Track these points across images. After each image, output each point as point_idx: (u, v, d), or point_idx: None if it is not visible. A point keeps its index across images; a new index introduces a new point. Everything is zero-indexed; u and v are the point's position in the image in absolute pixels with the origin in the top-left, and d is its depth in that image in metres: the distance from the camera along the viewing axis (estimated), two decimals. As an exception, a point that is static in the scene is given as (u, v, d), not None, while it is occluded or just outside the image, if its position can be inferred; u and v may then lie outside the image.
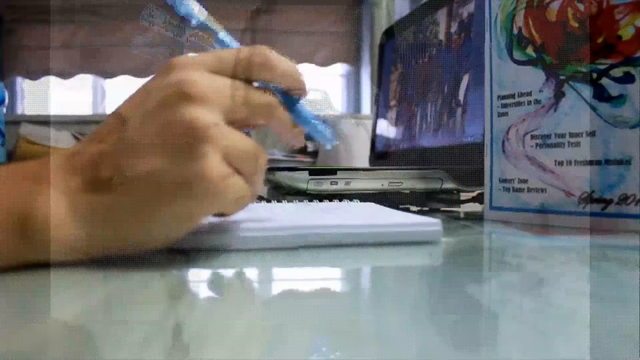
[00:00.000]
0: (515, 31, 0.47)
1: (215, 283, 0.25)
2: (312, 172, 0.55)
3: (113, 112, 0.29)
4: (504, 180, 0.48)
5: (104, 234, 0.27)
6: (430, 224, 0.34)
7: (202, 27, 0.33)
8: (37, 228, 0.25)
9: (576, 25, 0.42)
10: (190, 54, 0.29)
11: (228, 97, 0.28)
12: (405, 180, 0.57)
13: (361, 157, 1.89)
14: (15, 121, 2.48)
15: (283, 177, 0.55)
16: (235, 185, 0.27)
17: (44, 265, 0.26)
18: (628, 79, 0.39)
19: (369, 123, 1.09)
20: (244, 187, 0.28)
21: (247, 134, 0.29)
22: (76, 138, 1.55)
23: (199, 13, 0.33)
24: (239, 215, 0.37)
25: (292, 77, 0.31)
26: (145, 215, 0.26)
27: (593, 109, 0.41)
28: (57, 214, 0.26)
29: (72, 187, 0.27)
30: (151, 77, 0.29)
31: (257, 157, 0.29)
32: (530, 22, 0.46)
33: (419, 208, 0.64)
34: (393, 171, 0.57)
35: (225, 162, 0.27)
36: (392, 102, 0.88)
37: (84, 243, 0.27)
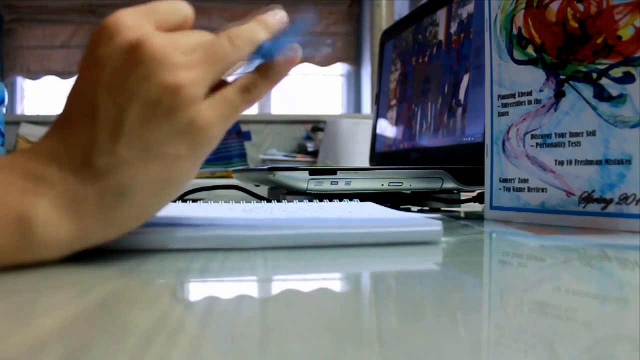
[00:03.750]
0: (515, 31, 0.47)
1: (215, 283, 0.25)
2: (312, 172, 0.55)
3: (72, 96, 0.27)
4: (505, 180, 0.48)
5: (108, 220, 0.27)
6: (430, 223, 0.34)
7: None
8: (35, 229, 0.25)
9: (576, 25, 0.42)
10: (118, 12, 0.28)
11: (183, 42, 0.27)
12: (405, 180, 0.57)
13: (361, 156, 1.89)
14: (15, 121, 2.49)
15: (283, 177, 0.55)
16: (225, 111, 0.28)
17: (44, 265, 0.26)
18: (628, 79, 0.39)
19: (369, 123, 1.09)
20: (233, 102, 0.28)
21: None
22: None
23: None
24: (241, 215, 0.37)
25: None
26: (155, 185, 0.27)
27: (593, 108, 0.41)
28: (55, 213, 0.26)
29: (66, 181, 0.26)
30: (89, 45, 0.28)
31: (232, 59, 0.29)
32: (530, 22, 0.46)
33: (419, 208, 0.64)
34: (393, 171, 0.57)
35: (209, 98, 0.27)
36: (392, 102, 0.88)
37: (86, 236, 0.27)
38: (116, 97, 0.26)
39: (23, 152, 0.27)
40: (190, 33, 0.28)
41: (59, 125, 0.28)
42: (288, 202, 0.51)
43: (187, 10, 0.30)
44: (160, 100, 0.26)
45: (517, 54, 0.47)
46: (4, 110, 0.80)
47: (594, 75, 0.41)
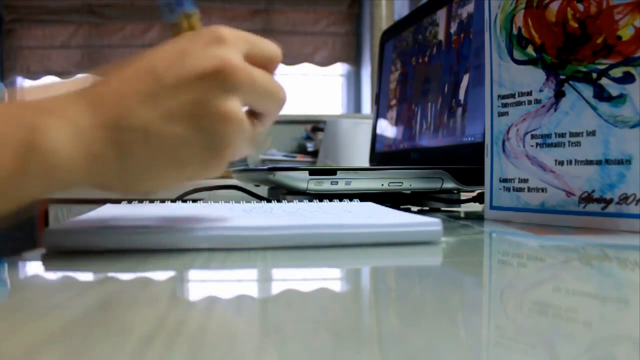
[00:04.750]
0: (515, 31, 0.47)
1: (215, 283, 0.25)
2: (312, 172, 0.55)
3: (143, 61, 0.28)
4: (504, 180, 0.48)
5: (119, 171, 0.27)
6: (430, 223, 0.34)
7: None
8: (41, 161, 0.24)
9: (576, 25, 0.42)
10: (232, 30, 0.30)
11: (258, 90, 0.30)
12: (405, 180, 0.57)
13: (361, 156, 1.89)
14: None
15: (283, 177, 0.55)
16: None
17: (43, 265, 0.26)
18: (628, 79, 0.39)
19: (369, 123, 1.09)
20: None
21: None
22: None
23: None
24: (240, 214, 0.37)
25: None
26: (171, 165, 0.28)
27: (593, 108, 0.41)
28: (64, 149, 0.25)
29: (84, 123, 0.26)
30: (194, 35, 0.29)
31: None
32: (530, 22, 0.46)
33: (419, 208, 0.64)
34: (393, 171, 0.57)
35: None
36: (392, 102, 0.88)
37: (95, 181, 0.27)
38: (179, 91, 0.27)
39: (46, 92, 0.27)
40: (268, 76, 0.31)
41: (108, 74, 0.28)
42: (288, 202, 0.51)
43: (277, 54, 0.32)
44: (209, 115, 0.28)
45: (517, 54, 0.47)
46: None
47: (594, 75, 0.41)
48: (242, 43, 0.30)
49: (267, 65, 0.31)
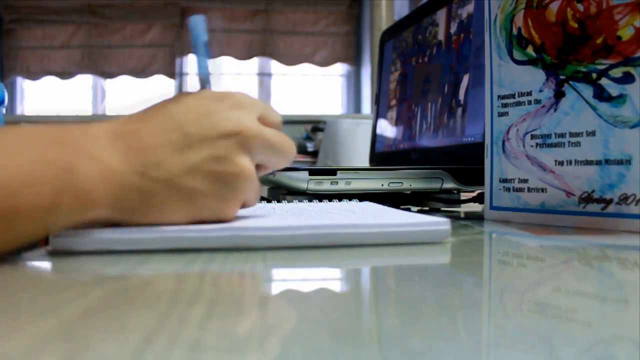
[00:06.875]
0: (514, 31, 0.47)
1: (215, 283, 0.25)
2: (312, 172, 0.55)
3: (171, 114, 0.31)
4: (504, 180, 0.48)
5: (143, 215, 0.30)
6: (439, 223, 0.34)
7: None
8: (74, 198, 0.27)
9: (576, 25, 0.42)
10: (247, 96, 0.34)
11: (271, 149, 0.34)
12: (405, 180, 0.57)
13: (361, 156, 1.89)
14: (15, 121, 2.49)
15: (283, 177, 0.55)
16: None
17: (44, 265, 0.26)
18: (628, 79, 0.39)
19: (369, 123, 1.09)
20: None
21: None
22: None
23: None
24: (243, 215, 0.37)
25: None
26: (186, 208, 0.31)
27: (593, 108, 0.41)
28: (95, 190, 0.28)
29: (115, 168, 0.28)
30: (216, 97, 0.33)
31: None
32: (530, 23, 0.46)
33: (419, 208, 0.64)
34: (393, 171, 0.57)
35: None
36: (392, 102, 0.88)
37: (116, 218, 0.29)
38: (202, 141, 0.31)
39: (82, 129, 0.29)
40: (279, 134, 0.35)
41: (140, 123, 0.31)
42: (288, 202, 0.51)
43: (280, 120, 0.36)
44: (225, 173, 0.31)
45: (517, 54, 0.47)
46: (4, 110, 0.80)
47: (594, 75, 0.41)
48: (256, 108, 0.34)
49: (273, 128, 0.35)
